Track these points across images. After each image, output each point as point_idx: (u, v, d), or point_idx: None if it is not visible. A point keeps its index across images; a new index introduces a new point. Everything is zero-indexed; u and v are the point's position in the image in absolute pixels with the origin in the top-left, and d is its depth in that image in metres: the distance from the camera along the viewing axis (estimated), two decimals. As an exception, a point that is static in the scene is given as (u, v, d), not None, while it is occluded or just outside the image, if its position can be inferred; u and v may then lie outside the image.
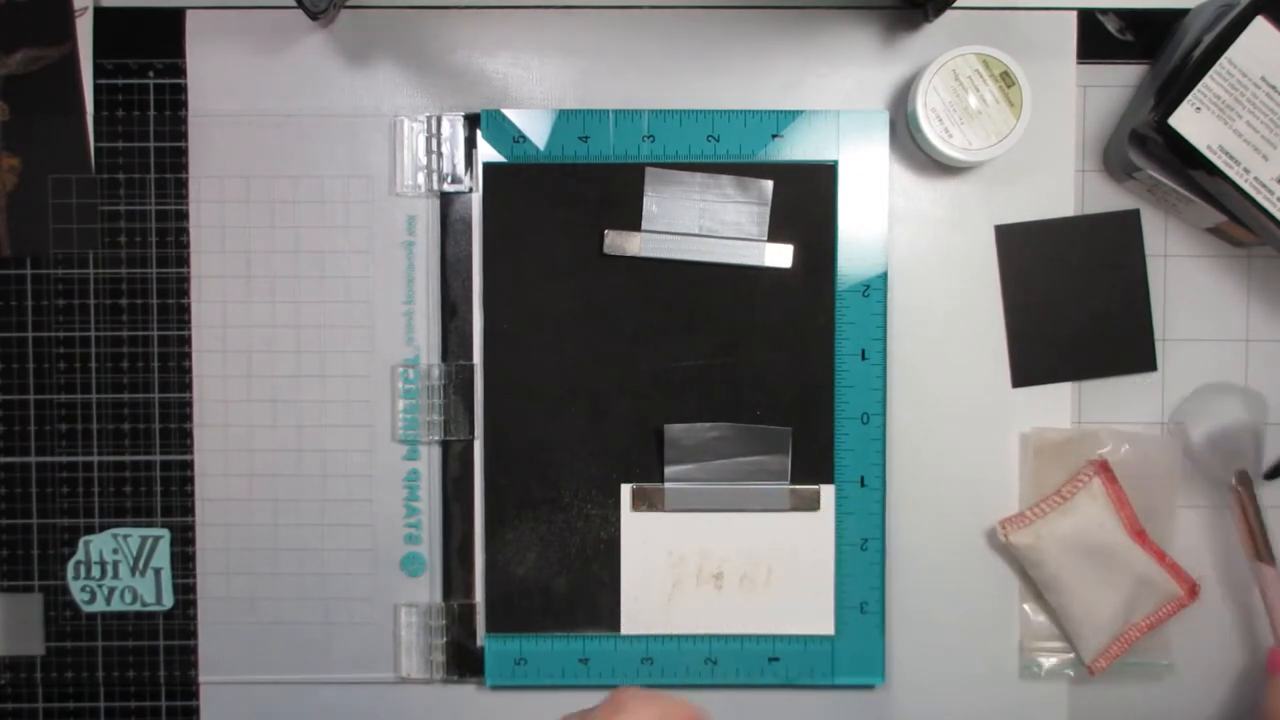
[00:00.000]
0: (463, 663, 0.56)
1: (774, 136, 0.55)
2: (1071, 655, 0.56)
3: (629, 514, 0.56)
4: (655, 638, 0.56)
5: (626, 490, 0.56)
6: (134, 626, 0.56)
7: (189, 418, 0.56)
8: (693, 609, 0.56)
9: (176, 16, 0.56)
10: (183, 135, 0.56)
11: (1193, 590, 0.55)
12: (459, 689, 0.56)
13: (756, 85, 0.56)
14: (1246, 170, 0.51)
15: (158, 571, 0.56)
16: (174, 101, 0.56)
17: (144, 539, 0.56)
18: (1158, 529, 0.56)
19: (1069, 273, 0.56)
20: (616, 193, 0.55)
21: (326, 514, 0.56)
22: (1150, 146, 0.53)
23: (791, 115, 0.55)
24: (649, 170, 0.55)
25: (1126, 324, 0.56)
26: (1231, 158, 0.51)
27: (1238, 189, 0.51)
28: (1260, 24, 0.50)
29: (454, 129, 0.55)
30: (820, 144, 0.55)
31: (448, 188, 0.55)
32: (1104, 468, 0.55)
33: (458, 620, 0.56)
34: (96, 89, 0.55)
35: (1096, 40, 0.56)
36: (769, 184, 0.55)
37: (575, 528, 0.56)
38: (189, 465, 0.56)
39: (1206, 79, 0.50)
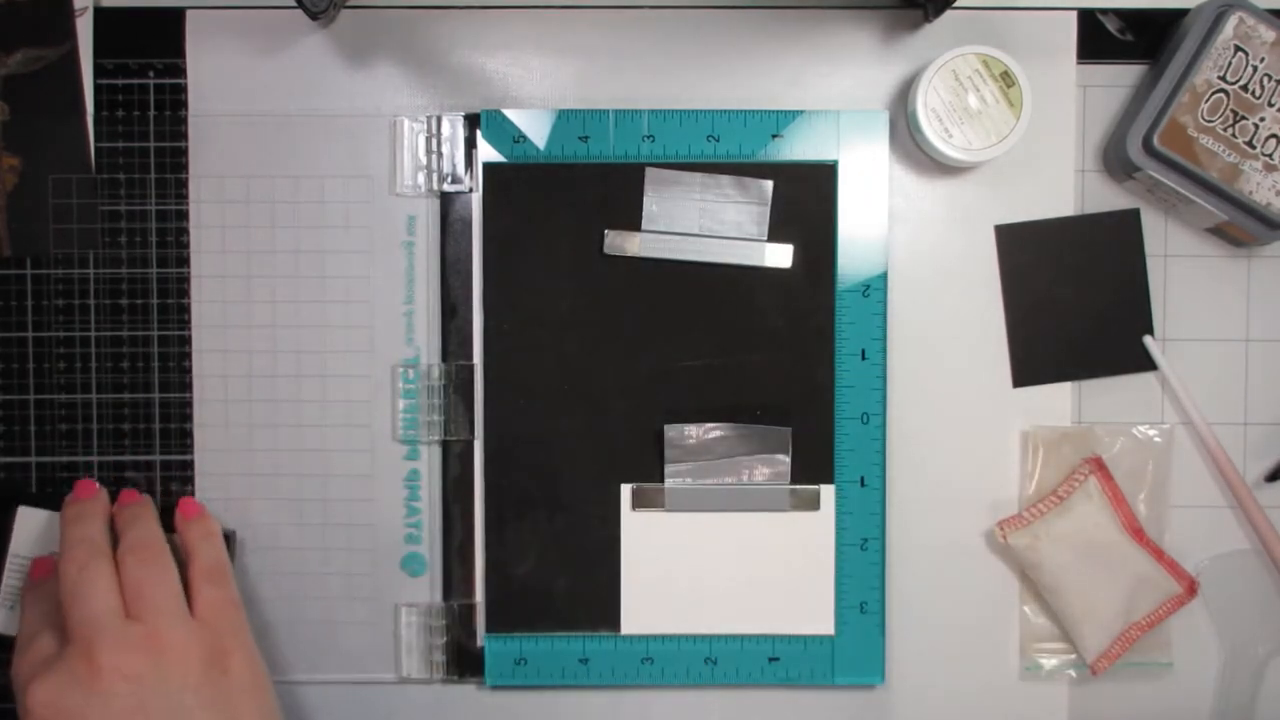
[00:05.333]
0: (463, 663, 0.56)
1: (774, 136, 0.55)
2: (1073, 655, 0.56)
3: (629, 514, 0.56)
4: (655, 638, 0.56)
5: (626, 490, 0.56)
6: (134, 626, 0.56)
7: (189, 418, 0.56)
8: (692, 609, 0.56)
9: (176, 16, 0.56)
10: (183, 135, 0.56)
11: (1192, 587, 0.55)
12: (459, 689, 0.56)
13: (756, 85, 0.56)
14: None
15: (158, 571, 0.56)
16: (174, 101, 0.56)
17: (144, 539, 0.56)
18: (1155, 527, 0.56)
19: (1069, 273, 0.56)
20: (616, 193, 0.55)
21: (326, 514, 0.56)
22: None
23: (791, 115, 0.55)
24: (649, 170, 0.55)
25: (1126, 324, 0.56)
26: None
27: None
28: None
29: (454, 129, 0.55)
30: (820, 144, 0.55)
31: (448, 188, 0.55)
32: (1099, 465, 0.55)
33: (458, 620, 0.56)
34: (96, 89, 0.55)
35: (1096, 40, 0.56)
36: (769, 184, 0.55)
37: (575, 528, 0.56)
38: (189, 465, 0.56)
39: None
